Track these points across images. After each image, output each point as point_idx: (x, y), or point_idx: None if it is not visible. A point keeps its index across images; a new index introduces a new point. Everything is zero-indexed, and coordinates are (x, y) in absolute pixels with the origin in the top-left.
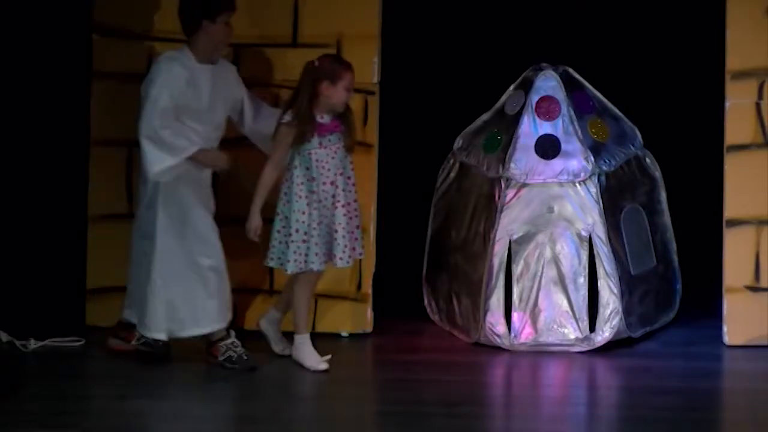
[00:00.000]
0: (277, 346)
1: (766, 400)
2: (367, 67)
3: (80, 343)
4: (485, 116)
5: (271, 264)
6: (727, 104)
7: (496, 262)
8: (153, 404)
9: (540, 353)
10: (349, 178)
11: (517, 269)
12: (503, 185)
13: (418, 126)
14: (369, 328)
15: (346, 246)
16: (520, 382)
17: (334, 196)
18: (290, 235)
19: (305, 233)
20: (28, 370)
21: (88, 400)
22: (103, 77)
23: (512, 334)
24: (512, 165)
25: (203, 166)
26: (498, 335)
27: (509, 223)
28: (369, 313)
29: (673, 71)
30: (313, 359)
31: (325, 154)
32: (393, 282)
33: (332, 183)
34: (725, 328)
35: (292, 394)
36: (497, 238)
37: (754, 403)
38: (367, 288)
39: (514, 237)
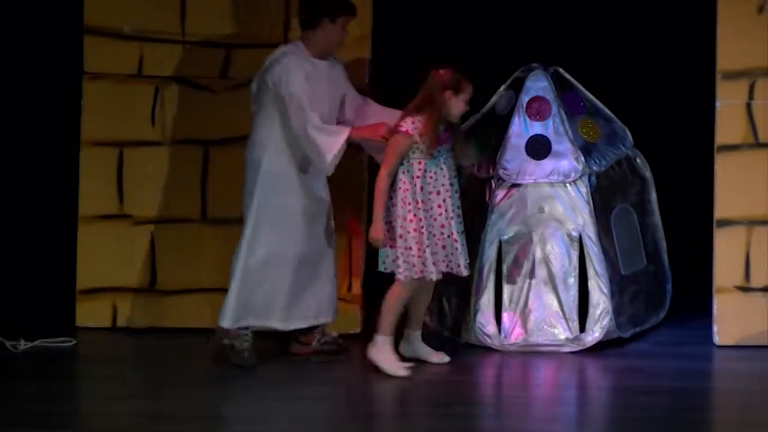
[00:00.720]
0: (435, 357)
1: (757, 400)
2: (359, 68)
3: (71, 343)
4: (476, 117)
5: (382, 268)
6: (718, 104)
7: (486, 262)
8: (144, 405)
9: (530, 353)
10: (457, 191)
11: (507, 270)
12: (494, 185)
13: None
14: (359, 329)
15: (466, 255)
16: (510, 383)
17: (443, 207)
18: (395, 240)
19: (417, 242)
20: (18, 370)
21: (78, 401)
22: (94, 78)
23: (502, 335)
24: (503, 165)
25: (367, 142)
26: (488, 335)
27: (500, 224)
28: (359, 313)
29: (664, 71)
30: (393, 363)
31: (434, 165)
32: (383, 283)
33: (439, 193)
34: (715, 328)
35: (284, 395)
36: (488, 239)
37: (745, 404)
38: (357, 288)
39: (505, 237)
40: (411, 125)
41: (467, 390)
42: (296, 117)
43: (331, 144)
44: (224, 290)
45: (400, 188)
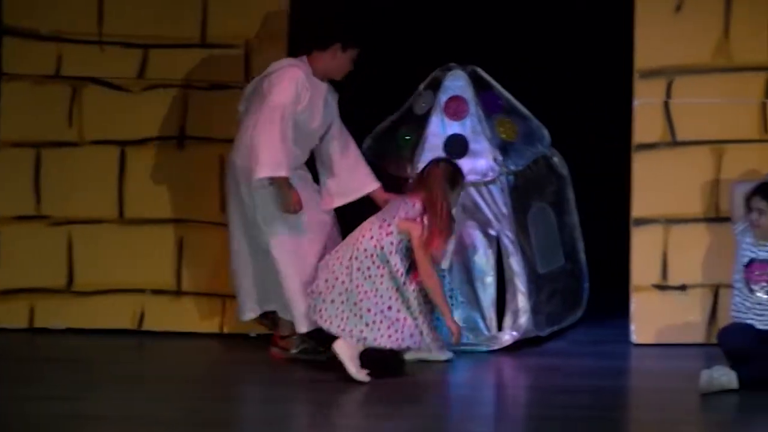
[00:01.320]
0: (443, 354)
1: (674, 398)
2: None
3: None
4: (394, 116)
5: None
6: (636, 103)
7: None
8: (61, 406)
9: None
10: None
11: None
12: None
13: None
14: None
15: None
16: (428, 383)
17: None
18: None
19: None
20: None
21: None
22: (11, 79)
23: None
24: (421, 165)
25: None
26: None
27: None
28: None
29: (582, 70)
30: (356, 366)
31: None
32: None
33: None
34: (633, 327)
35: (220, 396)
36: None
37: (662, 402)
38: None
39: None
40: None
41: (383, 391)
42: (265, 122)
43: (274, 166)
44: (141, 291)
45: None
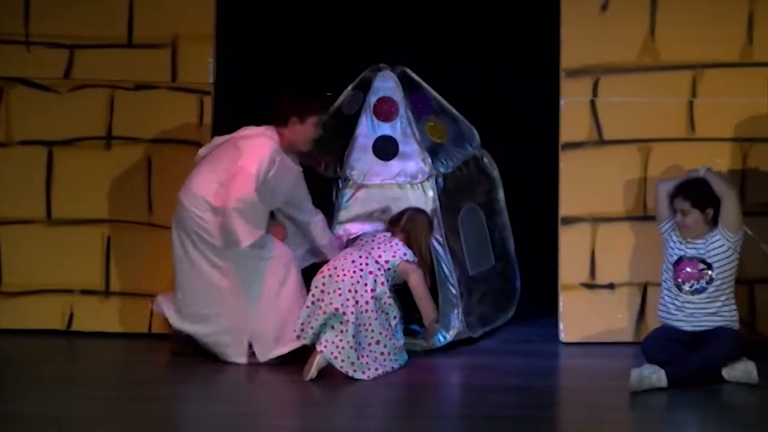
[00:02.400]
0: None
1: (603, 397)
2: (202, 68)
3: None
4: (323, 116)
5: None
6: (562, 102)
7: None
8: None
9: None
10: None
11: None
12: (341, 185)
13: (253, 125)
14: None
15: None
16: (361, 383)
17: None
18: None
19: None
20: None
21: None
22: None
23: None
24: (350, 165)
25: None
26: None
27: (347, 224)
28: None
29: (510, 70)
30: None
31: None
32: None
33: None
34: (561, 326)
35: (148, 396)
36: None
37: (590, 400)
38: None
39: (351, 237)
40: (411, 257)
41: (316, 390)
42: (240, 192)
43: (253, 234)
44: (70, 291)
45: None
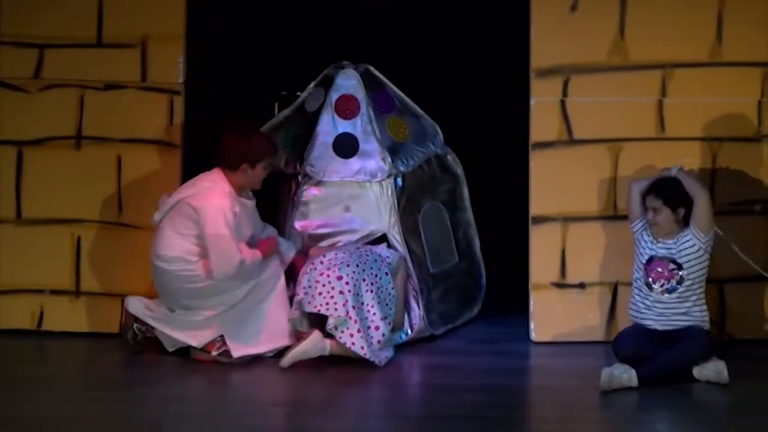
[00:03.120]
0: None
1: (573, 396)
2: (172, 68)
3: None
4: (286, 112)
5: None
6: (532, 102)
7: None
8: None
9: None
10: None
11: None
12: (300, 182)
13: (222, 124)
14: None
15: None
16: (323, 383)
17: None
18: None
19: None
20: None
21: None
22: None
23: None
24: (310, 162)
25: None
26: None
27: (305, 221)
28: None
29: (479, 69)
30: None
31: None
32: None
33: None
34: (532, 325)
35: (119, 396)
36: (292, 235)
37: (561, 400)
38: None
39: (309, 233)
40: None
41: (277, 389)
42: (219, 256)
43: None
44: (40, 291)
45: None
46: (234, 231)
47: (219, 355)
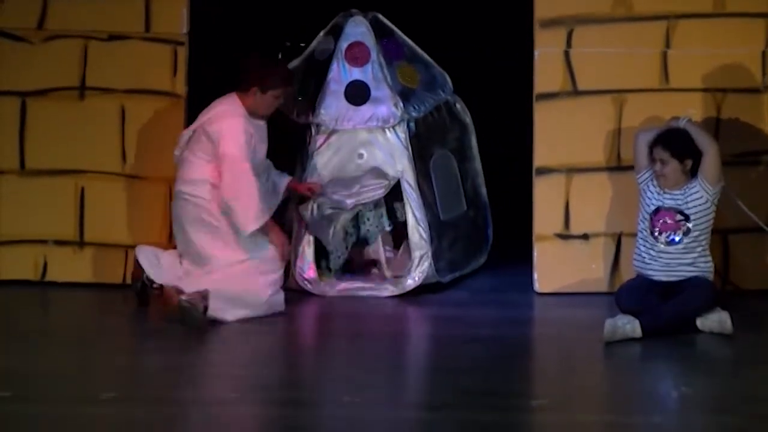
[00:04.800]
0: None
1: (577, 347)
2: (176, 18)
3: None
4: (295, 62)
5: None
6: (537, 52)
7: (305, 208)
8: None
9: (349, 299)
10: None
11: (327, 215)
12: (313, 131)
13: (227, 75)
14: None
15: None
16: (329, 331)
17: None
18: None
19: None
20: None
21: None
22: None
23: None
24: (322, 111)
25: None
26: (307, 280)
27: (320, 169)
28: None
29: (484, 18)
30: None
31: None
32: None
33: None
34: (535, 276)
35: (122, 347)
36: (311, 186)
37: (564, 350)
38: None
39: (325, 182)
40: None
41: (283, 339)
42: (237, 177)
43: (259, 218)
44: (43, 242)
45: None
46: (249, 151)
47: (186, 300)
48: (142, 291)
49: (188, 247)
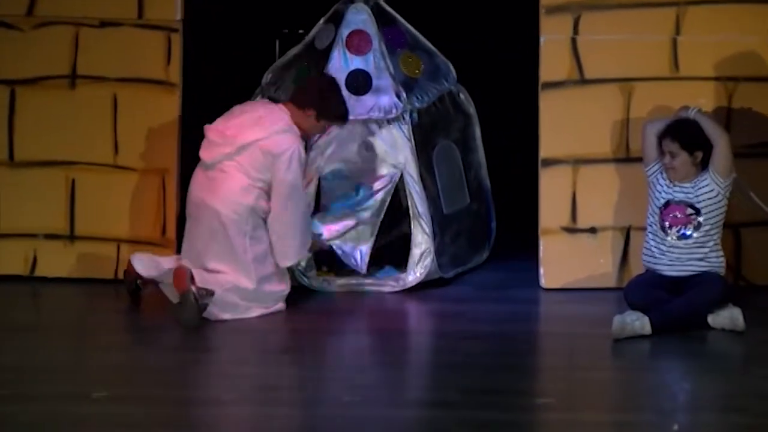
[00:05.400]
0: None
1: (584, 344)
2: (170, 4)
3: None
4: (295, 50)
5: None
6: (542, 40)
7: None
8: None
9: (350, 294)
10: None
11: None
12: None
13: (224, 63)
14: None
15: None
16: (329, 327)
17: None
18: None
19: None
20: None
21: None
22: None
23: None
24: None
25: None
26: (307, 276)
27: (319, 161)
28: None
29: (488, 5)
30: None
31: None
32: None
33: None
34: (542, 271)
35: (111, 343)
36: (307, 177)
37: (570, 347)
38: (171, 233)
39: (323, 174)
40: None
41: (284, 336)
42: (294, 206)
43: (298, 253)
44: (33, 235)
45: None
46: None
47: (195, 290)
48: (135, 290)
49: (198, 259)
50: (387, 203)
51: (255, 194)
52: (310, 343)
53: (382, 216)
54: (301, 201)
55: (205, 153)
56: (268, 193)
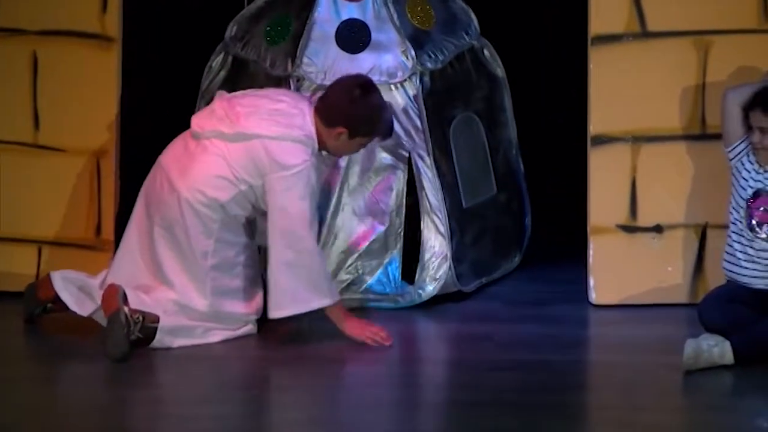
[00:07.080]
0: None
1: (644, 377)
2: None
3: None
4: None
5: None
6: None
7: None
8: None
9: (353, 311)
10: None
11: None
12: (293, 87)
13: (174, 12)
14: None
15: None
16: (319, 355)
17: None
18: None
19: None
20: None
21: None
22: None
23: None
24: (305, 60)
25: None
26: None
27: None
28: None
29: None
30: None
31: None
32: None
33: None
34: (591, 282)
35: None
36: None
37: (629, 382)
38: (109, 233)
39: None
40: None
41: (248, 366)
42: (290, 242)
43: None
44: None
45: None
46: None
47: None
48: (39, 314)
49: (136, 264)
50: (404, 196)
51: (232, 194)
52: (293, 375)
53: (403, 215)
54: (306, 237)
55: (197, 119)
56: (251, 206)
